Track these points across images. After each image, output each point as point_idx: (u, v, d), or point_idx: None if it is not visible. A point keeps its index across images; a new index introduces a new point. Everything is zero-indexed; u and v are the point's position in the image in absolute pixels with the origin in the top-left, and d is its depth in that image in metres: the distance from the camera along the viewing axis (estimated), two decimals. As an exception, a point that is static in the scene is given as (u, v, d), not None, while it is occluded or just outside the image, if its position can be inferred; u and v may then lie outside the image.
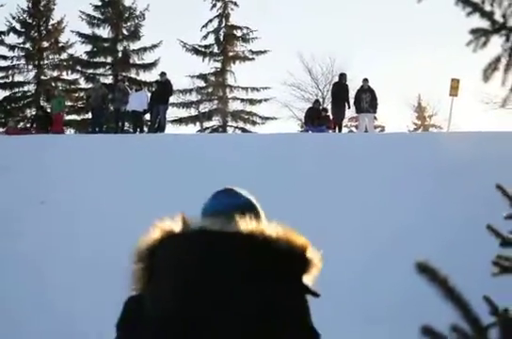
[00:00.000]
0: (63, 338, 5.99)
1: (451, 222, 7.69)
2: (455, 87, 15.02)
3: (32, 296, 6.94)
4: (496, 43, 1.75)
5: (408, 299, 5.47)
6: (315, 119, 14.81)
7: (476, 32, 1.65)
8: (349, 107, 15.57)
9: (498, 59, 1.66)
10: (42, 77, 25.30)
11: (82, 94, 23.84)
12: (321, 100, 24.97)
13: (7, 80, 25.24)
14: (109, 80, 25.04)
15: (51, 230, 8.74)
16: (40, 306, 6.63)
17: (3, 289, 7.10)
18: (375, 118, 17.01)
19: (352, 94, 15.48)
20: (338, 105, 15.51)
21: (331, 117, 15.90)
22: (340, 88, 15.63)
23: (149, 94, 16.98)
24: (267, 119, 27.50)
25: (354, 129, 26.95)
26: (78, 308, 6.52)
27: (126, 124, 23.51)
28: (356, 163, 10.26)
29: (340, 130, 15.68)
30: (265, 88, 27.27)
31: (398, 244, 7.13)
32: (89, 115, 20.03)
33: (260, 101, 27.34)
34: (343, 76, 16.13)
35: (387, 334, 5.02)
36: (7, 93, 25.20)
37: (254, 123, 27.50)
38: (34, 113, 24.94)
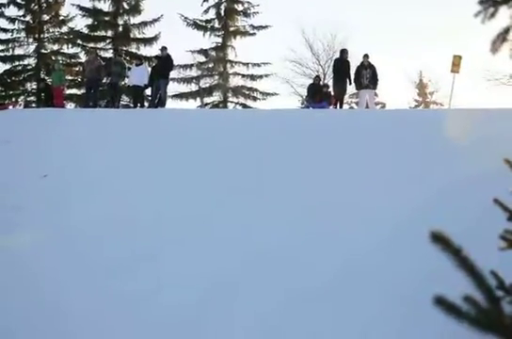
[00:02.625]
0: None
1: (454, 201, 7.70)
2: (456, 63, 14.95)
3: (32, 272, 6.97)
4: (504, 15, 1.74)
5: (431, 276, 5.51)
6: (317, 95, 14.77)
7: (485, 3, 1.64)
8: (350, 84, 15.50)
9: (507, 30, 1.64)
10: (43, 51, 25.16)
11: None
12: (322, 76, 24.84)
13: (7, 53, 25.15)
14: (109, 54, 24.88)
15: (52, 203, 8.75)
16: (33, 284, 6.66)
17: (2, 264, 7.13)
18: (375, 94, 16.96)
19: (353, 70, 15.41)
20: (339, 82, 15.45)
21: (332, 93, 15.84)
22: (341, 65, 15.54)
23: (149, 69, 16.88)
24: (268, 95, 27.41)
25: (354, 105, 26.87)
26: (70, 283, 6.56)
27: (126, 99, 23.50)
28: (356, 140, 10.24)
29: (341, 106, 15.63)
30: (266, 63, 27.15)
31: (401, 227, 7.16)
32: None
33: (261, 76, 27.23)
34: (344, 52, 16.03)
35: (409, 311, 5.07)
36: (7, 66, 25.15)
37: (255, 99, 27.42)
38: (35, 87, 24.85)
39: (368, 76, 15.14)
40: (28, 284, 6.34)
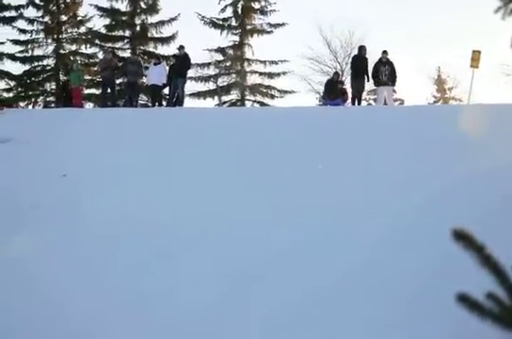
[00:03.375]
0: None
1: (472, 197, 7.61)
2: (476, 58, 14.78)
3: (48, 270, 6.99)
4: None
5: (445, 268, 5.46)
6: (333, 92, 14.64)
7: (505, -2, 1.58)
8: (368, 80, 15.40)
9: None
10: (61, 51, 25.29)
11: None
12: (340, 73, 24.70)
13: (26, 54, 25.31)
14: (127, 54, 24.95)
15: (70, 202, 8.76)
16: (48, 282, 6.67)
17: (21, 263, 7.16)
18: (394, 91, 16.83)
19: (371, 67, 15.31)
20: (357, 79, 15.36)
21: (350, 89, 15.76)
22: (359, 61, 15.45)
23: (167, 68, 16.88)
24: (286, 92, 27.33)
25: (373, 102, 26.73)
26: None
27: (144, 98, 23.56)
28: (375, 137, 10.16)
29: (359, 103, 15.54)
30: (284, 61, 27.07)
31: (419, 220, 7.09)
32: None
33: (278, 74, 27.15)
34: (362, 49, 15.93)
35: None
36: (26, 67, 25.29)
37: (272, 97, 27.35)
38: (54, 87, 25.00)
39: (386, 73, 15.04)
40: (44, 282, 6.35)
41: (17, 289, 6.26)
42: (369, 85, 16.65)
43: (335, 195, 7.83)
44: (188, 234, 7.21)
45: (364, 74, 15.25)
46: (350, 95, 15.50)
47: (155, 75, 15.93)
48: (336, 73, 17.48)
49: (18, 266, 6.85)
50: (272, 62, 27.01)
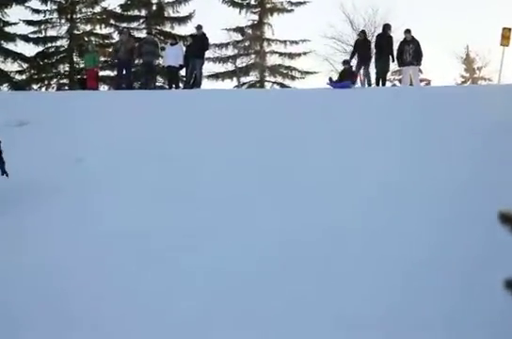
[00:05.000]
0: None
1: (499, 180, 7.57)
2: (506, 36, 14.59)
3: (71, 253, 7.09)
4: None
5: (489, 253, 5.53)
6: (341, 74, 14.23)
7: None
8: (393, 60, 15.25)
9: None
10: (75, 32, 25.27)
11: (116, 49, 23.76)
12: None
13: (39, 35, 25.28)
14: (143, 34, 24.89)
15: (86, 187, 8.86)
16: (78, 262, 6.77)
17: (40, 247, 7.27)
18: (419, 71, 16.64)
19: (396, 46, 15.14)
20: (381, 58, 15.21)
21: (374, 70, 15.60)
22: (384, 40, 15.29)
23: (184, 48, 16.81)
24: (307, 73, 27.14)
25: (398, 83, 26.51)
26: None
27: (161, 80, 23.53)
28: (400, 118, 10.10)
29: (384, 84, 15.40)
30: (305, 40, 26.80)
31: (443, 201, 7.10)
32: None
33: (299, 54, 26.94)
34: (386, 27, 15.76)
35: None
36: (39, 48, 25.28)
37: (293, 78, 27.16)
38: (68, 69, 25.03)
39: (411, 52, 14.88)
40: (63, 262, 6.48)
41: (37, 267, 6.41)
42: (394, 65, 16.47)
43: (362, 176, 7.86)
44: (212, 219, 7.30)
45: (389, 54, 15.09)
46: (364, 77, 15.29)
47: (172, 56, 15.89)
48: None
49: (38, 246, 7.00)
50: (293, 42, 26.80)
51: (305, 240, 6.51)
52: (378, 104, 10.96)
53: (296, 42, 26.87)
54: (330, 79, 12.88)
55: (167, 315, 5.58)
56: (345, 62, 14.55)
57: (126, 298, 5.95)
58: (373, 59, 15.62)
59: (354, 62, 15.82)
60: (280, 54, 27.02)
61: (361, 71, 15.22)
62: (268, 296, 5.62)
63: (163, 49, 17.83)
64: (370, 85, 15.46)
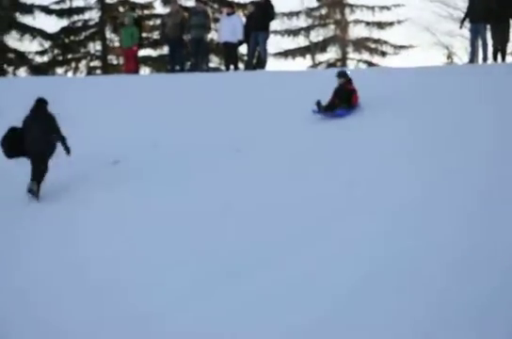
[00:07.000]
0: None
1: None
2: None
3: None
4: None
5: None
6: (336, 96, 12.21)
7: None
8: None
9: None
10: (108, 1, 25.66)
11: (158, 22, 23.92)
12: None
13: (63, 6, 25.45)
14: (192, 3, 25.27)
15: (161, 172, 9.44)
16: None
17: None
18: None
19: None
20: (499, 25, 15.06)
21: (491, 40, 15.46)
22: (502, 2, 15.14)
23: (244, 19, 17.00)
24: (401, 47, 27.08)
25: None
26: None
27: (215, 60, 23.85)
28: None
29: (503, 59, 15.24)
30: (398, 5, 26.77)
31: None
32: (166, 49, 20.16)
33: (391, 24, 26.90)
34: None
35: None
36: (64, 23, 25.41)
37: (384, 54, 27.15)
38: (99, 48, 25.35)
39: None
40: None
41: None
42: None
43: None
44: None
45: (509, 19, 14.94)
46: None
47: (229, 30, 16.03)
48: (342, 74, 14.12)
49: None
50: (383, 8, 26.79)
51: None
52: (497, 86, 10.91)
53: (388, 8, 26.84)
54: (319, 104, 11.05)
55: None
56: (341, 75, 11.73)
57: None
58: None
59: (466, 27, 15.60)
60: (367, 23, 27.03)
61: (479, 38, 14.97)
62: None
63: (217, 21, 18.05)
64: (485, 60, 15.32)
